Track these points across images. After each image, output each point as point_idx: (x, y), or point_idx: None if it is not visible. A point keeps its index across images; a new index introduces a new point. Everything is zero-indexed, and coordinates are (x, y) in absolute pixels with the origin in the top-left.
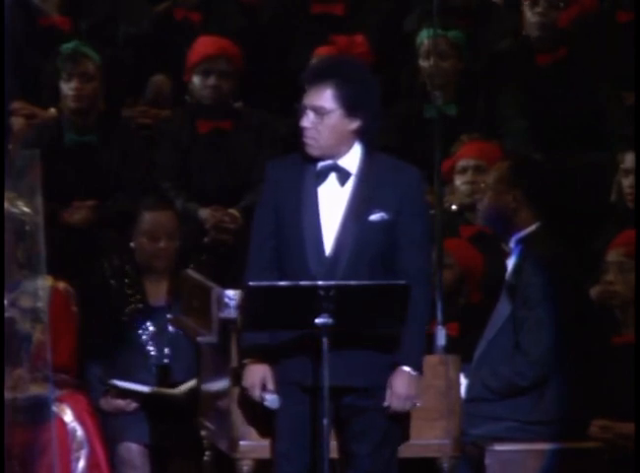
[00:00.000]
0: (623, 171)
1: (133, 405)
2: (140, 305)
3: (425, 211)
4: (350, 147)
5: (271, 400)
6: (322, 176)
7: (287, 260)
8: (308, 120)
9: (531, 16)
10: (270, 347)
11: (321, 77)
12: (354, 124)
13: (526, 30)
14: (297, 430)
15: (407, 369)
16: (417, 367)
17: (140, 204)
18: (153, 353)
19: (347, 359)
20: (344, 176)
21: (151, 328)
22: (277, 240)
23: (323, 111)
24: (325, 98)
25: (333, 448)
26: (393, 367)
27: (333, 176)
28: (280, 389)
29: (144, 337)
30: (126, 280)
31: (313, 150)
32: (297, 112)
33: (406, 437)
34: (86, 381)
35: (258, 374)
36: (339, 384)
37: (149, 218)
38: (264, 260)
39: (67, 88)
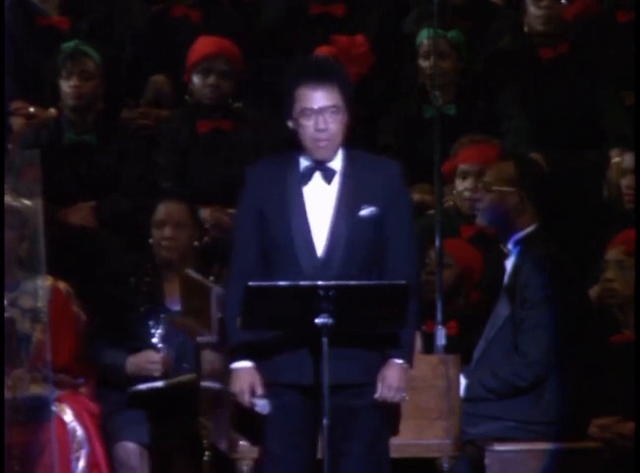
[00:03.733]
0: (621, 171)
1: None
2: (154, 306)
3: (410, 204)
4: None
5: (261, 406)
6: (306, 176)
7: (278, 264)
8: (325, 122)
9: (535, 10)
10: (256, 344)
11: (324, 77)
12: (346, 118)
13: (528, 25)
14: (289, 430)
15: (399, 361)
16: (408, 360)
17: (155, 200)
18: (162, 353)
19: (337, 357)
20: (329, 174)
21: (162, 329)
22: (263, 246)
23: (338, 110)
24: (336, 96)
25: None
26: (384, 360)
27: (317, 175)
28: (269, 389)
29: (154, 338)
30: (146, 279)
31: (329, 151)
32: (295, 119)
33: (395, 432)
34: (101, 367)
35: (246, 380)
36: (332, 383)
37: (159, 208)
38: (244, 264)
39: (66, 85)
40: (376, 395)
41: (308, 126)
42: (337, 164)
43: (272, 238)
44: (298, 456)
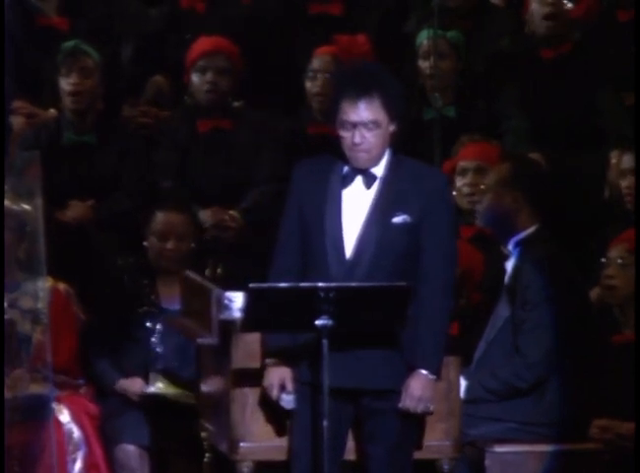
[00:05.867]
0: (621, 172)
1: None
2: (152, 307)
3: (450, 217)
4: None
5: (287, 400)
6: (348, 179)
7: (309, 262)
8: (360, 136)
9: (539, 7)
10: (291, 349)
11: (364, 89)
12: (392, 127)
13: (530, 25)
14: (312, 430)
15: (424, 372)
16: (434, 371)
17: (154, 205)
18: (160, 355)
19: (365, 361)
20: (370, 179)
21: (160, 330)
22: (302, 242)
23: (377, 124)
24: (375, 111)
25: (350, 450)
26: (410, 369)
27: (359, 179)
28: (298, 390)
29: (152, 339)
30: (144, 281)
31: (366, 162)
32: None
33: (419, 446)
34: (94, 376)
35: (277, 375)
36: (357, 387)
37: (160, 218)
38: (286, 262)
39: (66, 83)
40: (400, 404)
41: (346, 138)
42: (379, 169)
43: (307, 235)
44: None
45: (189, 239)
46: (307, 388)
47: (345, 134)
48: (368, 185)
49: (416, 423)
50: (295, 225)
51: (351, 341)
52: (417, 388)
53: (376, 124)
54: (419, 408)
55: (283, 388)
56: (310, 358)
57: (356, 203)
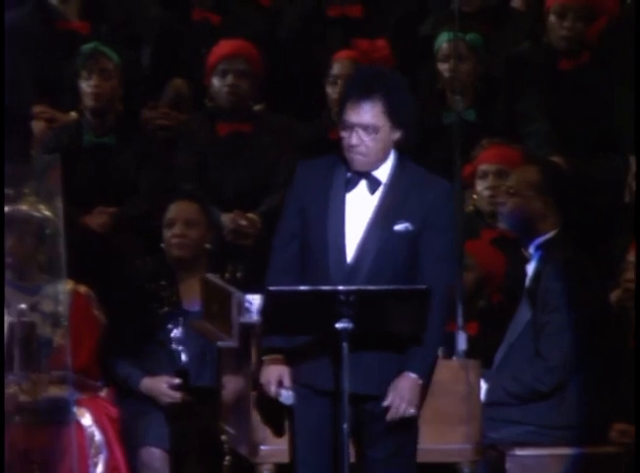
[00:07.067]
0: (633, 175)
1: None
2: (173, 309)
3: (451, 226)
4: (388, 156)
5: (286, 396)
6: (352, 183)
7: (309, 263)
8: (358, 138)
9: (558, 27)
10: (287, 350)
11: (366, 92)
12: (397, 135)
13: (549, 38)
14: (316, 433)
15: (413, 375)
16: (423, 376)
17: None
18: (181, 356)
19: (366, 366)
20: (374, 185)
21: (181, 332)
22: (301, 243)
23: (374, 129)
24: (374, 114)
25: (352, 453)
26: (399, 372)
27: (363, 184)
28: (298, 392)
29: (173, 341)
30: (162, 282)
31: (362, 165)
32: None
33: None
34: (116, 377)
35: (275, 372)
36: (358, 392)
37: (170, 208)
38: (284, 262)
39: (86, 85)
40: (385, 403)
41: (344, 138)
42: (384, 174)
43: (308, 237)
44: (325, 459)
45: (199, 228)
46: (311, 391)
47: (344, 134)
48: (372, 191)
49: (416, 428)
50: (296, 224)
51: (363, 345)
52: (405, 389)
53: (375, 129)
54: (402, 409)
55: (280, 384)
56: (313, 361)
57: (360, 208)
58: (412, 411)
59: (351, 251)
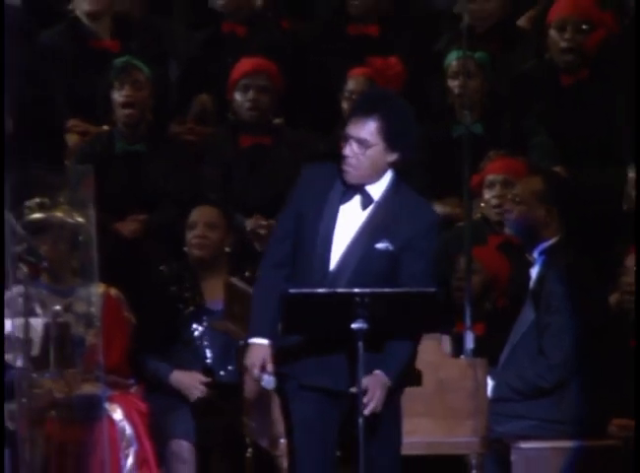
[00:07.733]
0: (633, 185)
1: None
2: (197, 308)
3: (431, 252)
4: (382, 176)
5: (267, 381)
6: (348, 196)
7: (297, 264)
8: (351, 150)
9: (559, 40)
10: (281, 349)
11: (367, 110)
12: (392, 157)
13: (551, 53)
14: (315, 431)
15: (385, 377)
16: (392, 379)
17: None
18: (206, 354)
19: (349, 365)
20: (367, 201)
21: (205, 330)
22: (294, 242)
23: (366, 144)
24: (369, 131)
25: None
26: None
27: (357, 199)
28: (298, 392)
29: (198, 339)
30: (186, 284)
31: (352, 177)
32: (340, 138)
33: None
34: (147, 372)
35: (259, 355)
36: (343, 389)
37: (193, 212)
38: (279, 255)
39: (118, 95)
40: (353, 389)
41: (341, 149)
42: (377, 192)
43: (299, 239)
44: (321, 454)
45: (219, 231)
46: (306, 390)
47: (342, 146)
48: (364, 206)
49: (400, 421)
50: (291, 224)
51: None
52: (376, 386)
53: (367, 144)
54: (372, 406)
55: (263, 369)
56: (316, 361)
57: (350, 222)
58: (374, 408)
59: (335, 260)
